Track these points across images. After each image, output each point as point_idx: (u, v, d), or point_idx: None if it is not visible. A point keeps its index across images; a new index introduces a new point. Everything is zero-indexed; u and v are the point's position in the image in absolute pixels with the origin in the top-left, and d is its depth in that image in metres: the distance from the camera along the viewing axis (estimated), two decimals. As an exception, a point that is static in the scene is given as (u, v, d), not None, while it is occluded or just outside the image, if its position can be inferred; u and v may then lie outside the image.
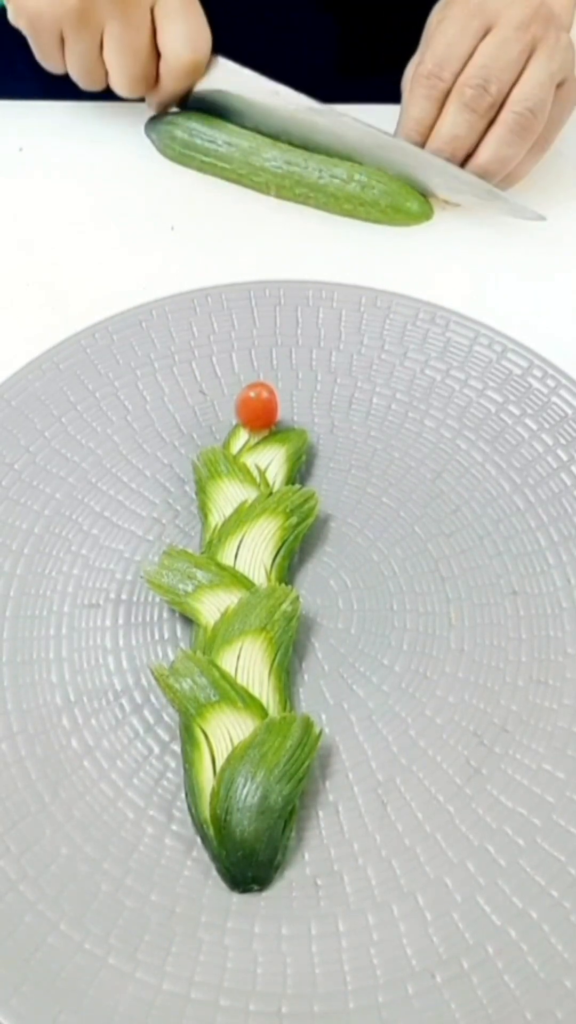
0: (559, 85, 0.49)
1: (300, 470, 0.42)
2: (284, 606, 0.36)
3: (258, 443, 0.42)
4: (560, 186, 0.54)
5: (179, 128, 0.54)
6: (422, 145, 0.51)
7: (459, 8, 0.49)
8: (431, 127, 0.50)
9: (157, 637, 0.38)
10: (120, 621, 0.38)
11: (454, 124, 0.49)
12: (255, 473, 0.40)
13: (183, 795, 0.34)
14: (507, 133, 0.49)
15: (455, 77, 0.49)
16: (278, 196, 0.53)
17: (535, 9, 0.48)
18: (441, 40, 0.49)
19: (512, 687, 0.36)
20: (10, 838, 0.33)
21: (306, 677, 0.37)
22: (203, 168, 0.54)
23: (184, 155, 0.54)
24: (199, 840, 0.33)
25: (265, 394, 0.41)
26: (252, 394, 0.41)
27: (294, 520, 0.39)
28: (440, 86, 0.49)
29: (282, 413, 0.42)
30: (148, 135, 0.55)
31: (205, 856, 0.32)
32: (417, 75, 0.49)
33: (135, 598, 0.39)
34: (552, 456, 0.42)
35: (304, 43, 0.65)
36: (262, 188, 0.53)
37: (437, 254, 0.51)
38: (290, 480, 0.41)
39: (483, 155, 0.50)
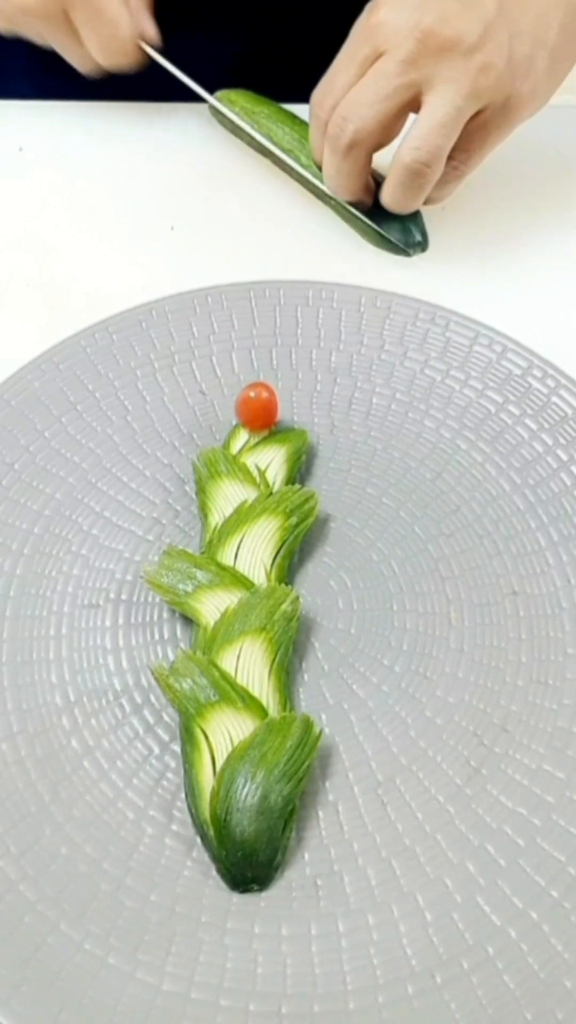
0: (479, 112, 0.44)
1: (300, 470, 0.42)
2: (284, 606, 0.36)
3: (258, 443, 0.42)
4: (558, 186, 0.54)
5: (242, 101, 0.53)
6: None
7: (359, 29, 0.45)
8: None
9: (157, 637, 0.38)
10: (120, 621, 0.38)
11: (327, 163, 0.47)
12: (255, 473, 0.40)
13: (183, 795, 0.34)
14: (396, 183, 0.45)
15: (332, 110, 0.45)
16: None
17: (422, 39, 0.41)
18: (335, 65, 0.46)
19: (512, 687, 0.36)
20: (10, 838, 0.33)
21: (306, 677, 0.37)
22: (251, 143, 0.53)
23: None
24: (199, 840, 0.33)
25: (265, 394, 0.41)
26: (252, 394, 0.41)
27: (294, 520, 0.39)
28: (321, 116, 0.46)
29: (282, 413, 0.42)
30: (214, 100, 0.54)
31: (205, 856, 0.32)
32: (311, 100, 0.47)
33: (135, 598, 0.39)
34: (552, 456, 0.42)
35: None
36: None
37: (436, 254, 0.51)
38: (290, 480, 0.41)
39: (382, 197, 0.47)
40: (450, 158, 0.45)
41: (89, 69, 0.53)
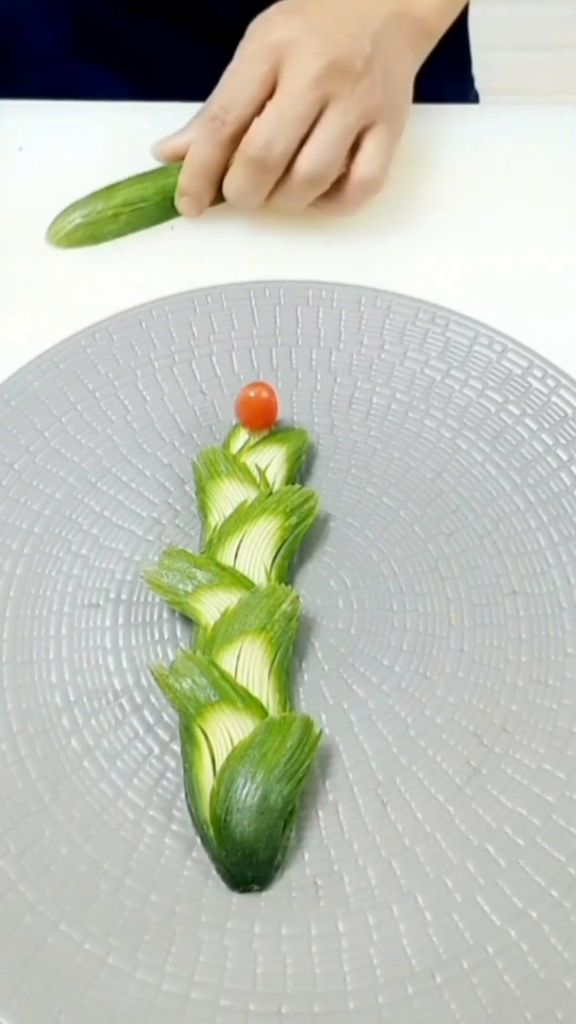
0: (366, 128, 0.48)
1: (300, 470, 0.42)
2: (284, 606, 0.36)
3: (258, 443, 0.42)
4: (558, 186, 0.54)
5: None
6: (208, 187, 0.50)
7: (254, 45, 0.47)
8: (216, 169, 0.49)
9: (157, 637, 0.38)
10: (120, 621, 0.38)
11: (242, 180, 0.48)
12: (255, 473, 0.40)
13: (183, 795, 0.34)
14: (291, 192, 0.48)
15: (239, 123, 0.47)
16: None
17: (328, 65, 0.46)
18: (231, 81, 0.48)
19: (512, 687, 0.36)
20: (10, 838, 0.33)
21: (306, 677, 0.37)
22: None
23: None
24: (199, 840, 0.33)
25: (265, 394, 0.41)
26: (252, 394, 0.41)
27: (294, 520, 0.39)
28: (224, 131, 0.48)
29: (282, 413, 0.42)
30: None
31: (205, 856, 0.32)
32: (203, 114, 0.48)
33: (135, 598, 0.39)
34: (552, 456, 0.42)
35: None
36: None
37: (437, 254, 0.51)
38: (290, 480, 0.41)
39: (273, 204, 0.49)
40: (352, 173, 0.48)
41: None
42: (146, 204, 0.51)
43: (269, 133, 0.46)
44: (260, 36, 0.47)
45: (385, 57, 0.49)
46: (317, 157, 0.47)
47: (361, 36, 0.47)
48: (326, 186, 0.48)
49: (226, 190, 0.49)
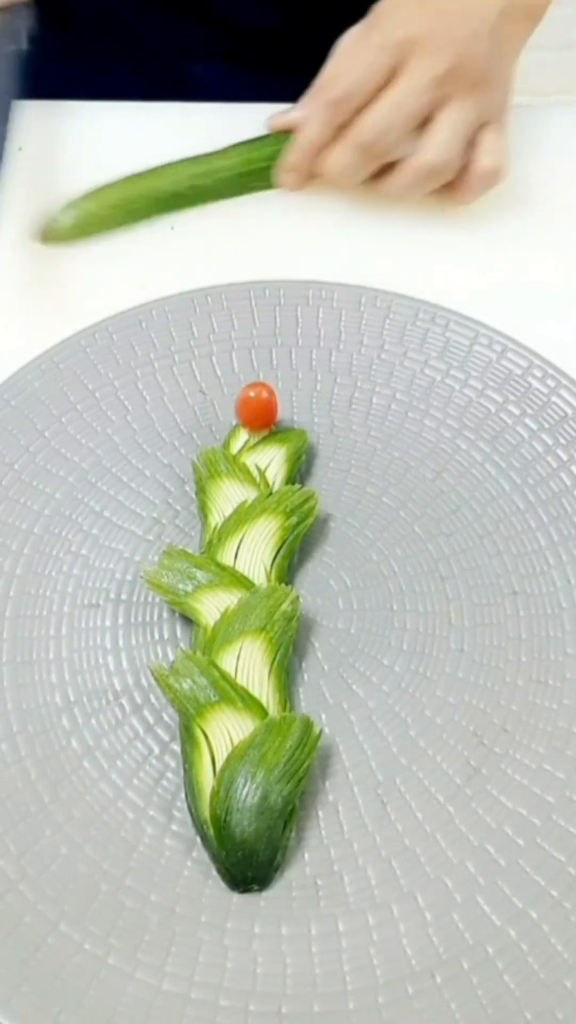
0: (482, 124, 0.49)
1: (300, 470, 0.42)
2: (284, 606, 0.36)
3: (258, 443, 0.42)
4: (558, 186, 0.54)
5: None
6: (313, 161, 0.51)
7: (380, 38, 0.48)
8: (323, 149, 0.50)
9: (157, 637, 0.38)
10: (120, 621, 0.38)
11: (347, 161, 0.49)
12: (255, 473, 0.40)
13: (183, 795, 0.34)
14: (410, 181, 0.49)
15: (355, 112, 0.48)
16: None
17: (452, 67, 0.47)
18: (354, 68, 0.49)
19: (512, 687, 0.36)
20: (10, 838, 0.33)
21: (306, 677, 0.37)
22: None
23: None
24: (199, 840, 0.33)
25: (265, 394, 0.41)
26: (252, 394, 0.41)
27: (294, 520, 0.39)
28: (342, 117, 0.49)
29: (282, 413, 0.42)
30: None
31: (205, 856, 0.32)
32: (322, 98, 0.49)
33: (135, 598, 0.39)
34: (552, 456, 0.42)
35: None
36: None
37: (437, 254, 0.51)
38: (290, 480, 0.41)
39: (385, 186, 0.50)
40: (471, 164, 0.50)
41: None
42: (136, 205, 0.52)
43: (385, 122, 0.48)
44: (388, 30, 0.48)
45: (499, 55, 0.50)
46: (442, 149, 0.48)
47: (481, 35, 0.49)
48: (448, 177, 0.50)
49: (329, 166, 0.50)
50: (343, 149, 0.49)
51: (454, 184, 0.51)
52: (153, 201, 0.52)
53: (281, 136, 0.52)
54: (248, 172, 0.53)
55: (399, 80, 0.48)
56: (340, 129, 0.49)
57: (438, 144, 0.48)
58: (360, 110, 0.48)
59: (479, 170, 0.50)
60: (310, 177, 0.52)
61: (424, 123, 0.48)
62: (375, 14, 0.49)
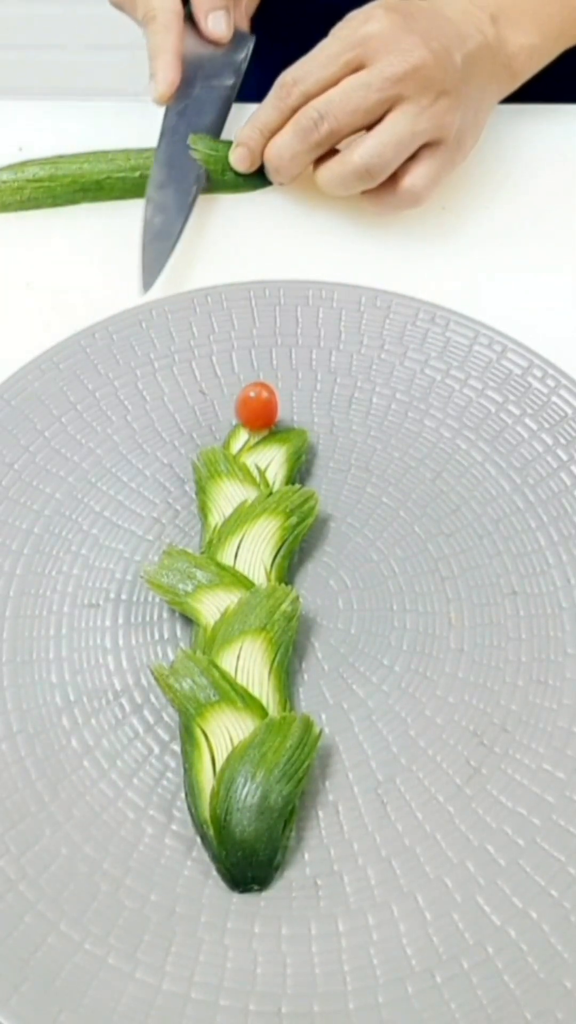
0: (428, 144, 0.48)
1: (300, 470, 0.42)
2: (284, 606, 0.36)
3: (258, 443, 0.42)
4: (558, 186, 0.54)
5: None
6: (263, 145, 0.50)
7: (346, 32, 0.48)
8: (273, 132, 0.50)
9: (157, 637, 0.38)
10: (120, 621, 0.38)
11: (282, 145, 0.49)
12: (255, 473, 0.40)
13: (183, 795, 0.34)
14: (340, 177, 0.48)
15: (304, 98, 0.48)
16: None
17: (413, 68, 0.46)
18: (314, 57, 0.48)
19: (512, 687, 0.36)
20: (10, 838, 0.33)
21: (306, 677, 0.37)
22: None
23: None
24: (199, 840, 0.33)
25: (265, 394, 0.41)
26: (252, 394, 0.41)
27: (294, 520, 0.39)
28: (288, 101, 0.48)
29: (282, 413, 0.42)
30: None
31: (205, 856, 0.32)
32: (279, 80, 0.49)
33: (135, 598, 0.39)
34: (552, 456, 0.42)
35: None
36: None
37: (437, 254, 0.51)
38: (290, 480, 0.41)
39: (317, 176, 0.50)
40: (403, 173, 0.48)
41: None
42: (53, 184, 0.52)
43: (325, 109, 0.47)
44: (356, 24, 0.47)
45: (473, 83, 0.49)
46: (375, 152, 0.47)
47: (455, 52, 0.47)
48: (375, 183, 0.48)
49: (267, 151, 0.50)
50: (284, 131, 0.49)
51: (377, 190, 0.49)
52: (75, 185, 0.52)
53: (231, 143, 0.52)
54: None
55: (359, 73, 0.47)
56: (292, 113, 0.49)
57: (370, 146, 0.47)
58: (311, 97, 0.48)
59: (400, 186, 0.48)
60: (259, 161, 0.51)
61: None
62: (362, 11, 0.49)
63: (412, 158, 0.48)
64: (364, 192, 0.49)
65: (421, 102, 0.46)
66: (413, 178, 0.48)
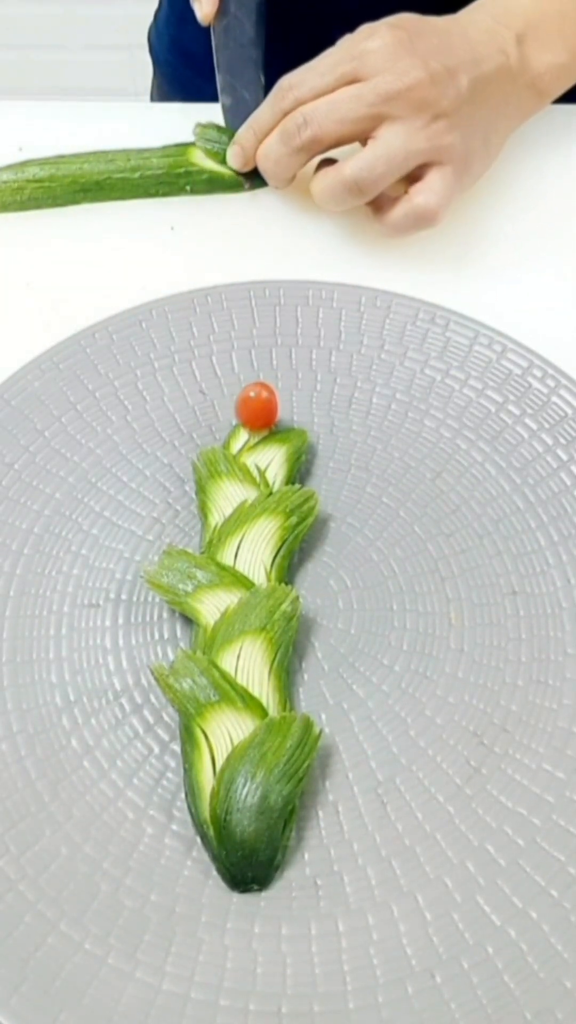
0: (432, 164, 0.47)
1: (300, 470, 0.42)
2: (284, 606, 0.36)
3: (258, 443, 0.42)
4: (558, 186, 0.54)
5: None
6: (256, 145, 0.51)
7: (348, 43, 0.48)
8: (266, 134, 0.50)
9: (157, 637, 0.38)
10: (120, 621, 0.38)
11: (267, 146, 0.50)
12: (255, 473, 0.40)
13: (183, 795, 0.34)
14: (329, 190, 0.48)
15: (296, 103, 0.48)
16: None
17: (406, 88, 0.45)
18: (314, 65, 0.48)
19: (512, 687, 0.36)
20: (10, 838, 0.33)
21: (306, 677, 0.37)
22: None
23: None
24: (199, 840, 0.33)
25: (265, 394, 0.41)
26: (252, 394, 0.41)
27: (294, 520, 0.39)
28: (282, 104, 0.48)
29: (282, 413, 0.42)
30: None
31: (205, 856, 0.32)
32: (278, 83, 0.49)
33: (135, 598, 0.39)
34: (552, 456, 0.42)
35: None
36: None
37: (437, 254, 0.51)
38: (290, 480, 0.41)
39: (314, 192, 0.49)
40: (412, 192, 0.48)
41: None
42: (53, 184, 0.52)
43: (311, 115, 0.47)
44: (360, 39, 0.47)
45: (482, 105, 0.48)
46: (366, 165, 0.46)
47: (461, 75, 0.47)
48: (365, 197, 0.48)
49: (260, 149, 0.50)
50: (272, 133, 0.49)
51: (383, 211, 0.49)
52: (75, 185, 0.52)
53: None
54: (180, 173, 0.53)
55: (350, 86, 0.47)
56: (284, 116, 0.49)
57: (362, 158, 0.46)
58: (303, 103, 0.48)
59: (409, 204, 0.47)
60: (253, 160, 0.51)
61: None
62: (370, 25, 0.48)
63: (418, 179, 0.48)
64: (377, 213, 0.49)
65: (414, 123, 0.46)
66: (425, 194, 0.47)
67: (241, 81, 0.54)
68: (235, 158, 0.52)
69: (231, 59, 0.53)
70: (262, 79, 0.53)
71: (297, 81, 0.48)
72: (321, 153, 0.49)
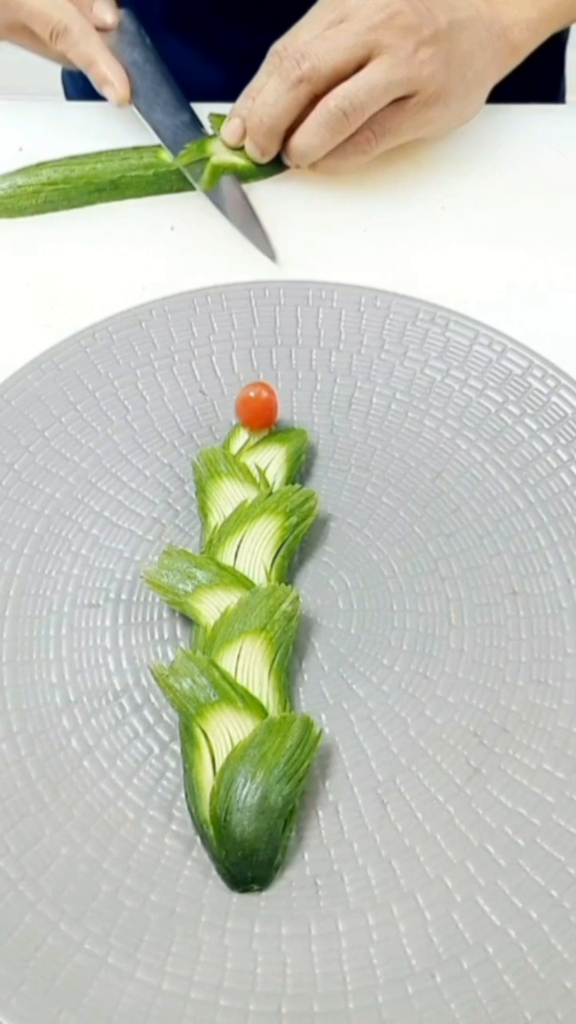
0: (405, 97, 0.49)
1: (300, 470, 0.42)
2: (284, 606, 0.36)
3: (258, 443, 0.42)
4: (558, 186, 0.54)
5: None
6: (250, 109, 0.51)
7: (327, 1, 0.50)
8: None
9: (157, 637, 0.38)
10: (120, 621, 0.38)
11: (265, 90, 0.50)
12: (255, 473, 0.40)
13: (183, 795, 0.34)
14: (313, 123, 0.49)
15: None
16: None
17: (391, 16, 0.47)
18: (300, 24, 0.50)
19: (512, 687, 0.36)
20: (10, 838, 0.33)
21: (306, 677, 0.37)
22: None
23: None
24: (199, 840, 0.33)
25: (265, 394, 0.41)
26: (252, 394, 0.41)
27: (294, 520, 0.39)
28: (275, 62, 0.49)
29: (282, 413, 0.42)
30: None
31: (205, 856, 0.32)
32: (271, 49, 0.50)
33: (135, 598, 0.39)
34: (552, 456, 0.42)
35: None
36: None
37: (437, 254, 0.51)
38: (290, 480, 0.41)
39: (294, 137, 0.50)
40: (365, 129, 0.49)
41: (68, 64, 0.54)
42: (68, 186, 0.52)
43: (305, 49, 0.48)
44: None
45: (460, 43, 0.49)
46: (348, 94, 0.47)
47: (438, 13, 0.48)
48: (350, 127, 0.49)
49: (256, 100, 0.50)
50: (269, 81, 0.49)
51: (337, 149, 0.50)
52: (90, 186, 0.52)
53: None
54: (196, 169, 0.53)
55: (339, 24, 0.48)
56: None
57: (344, 88, 0.48)
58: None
59: (353, 139, 0.49)
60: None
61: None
62: None
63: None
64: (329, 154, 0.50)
65: (400, 53, 0.47)
66: (371, 122, 0.49)
67: (169, 108, 0.54)
68: (234, 132, 0.52)
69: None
70: (182, 97, 0.55)
71: (288, 40, 0.49)
72: (318, 89, 0.49)
